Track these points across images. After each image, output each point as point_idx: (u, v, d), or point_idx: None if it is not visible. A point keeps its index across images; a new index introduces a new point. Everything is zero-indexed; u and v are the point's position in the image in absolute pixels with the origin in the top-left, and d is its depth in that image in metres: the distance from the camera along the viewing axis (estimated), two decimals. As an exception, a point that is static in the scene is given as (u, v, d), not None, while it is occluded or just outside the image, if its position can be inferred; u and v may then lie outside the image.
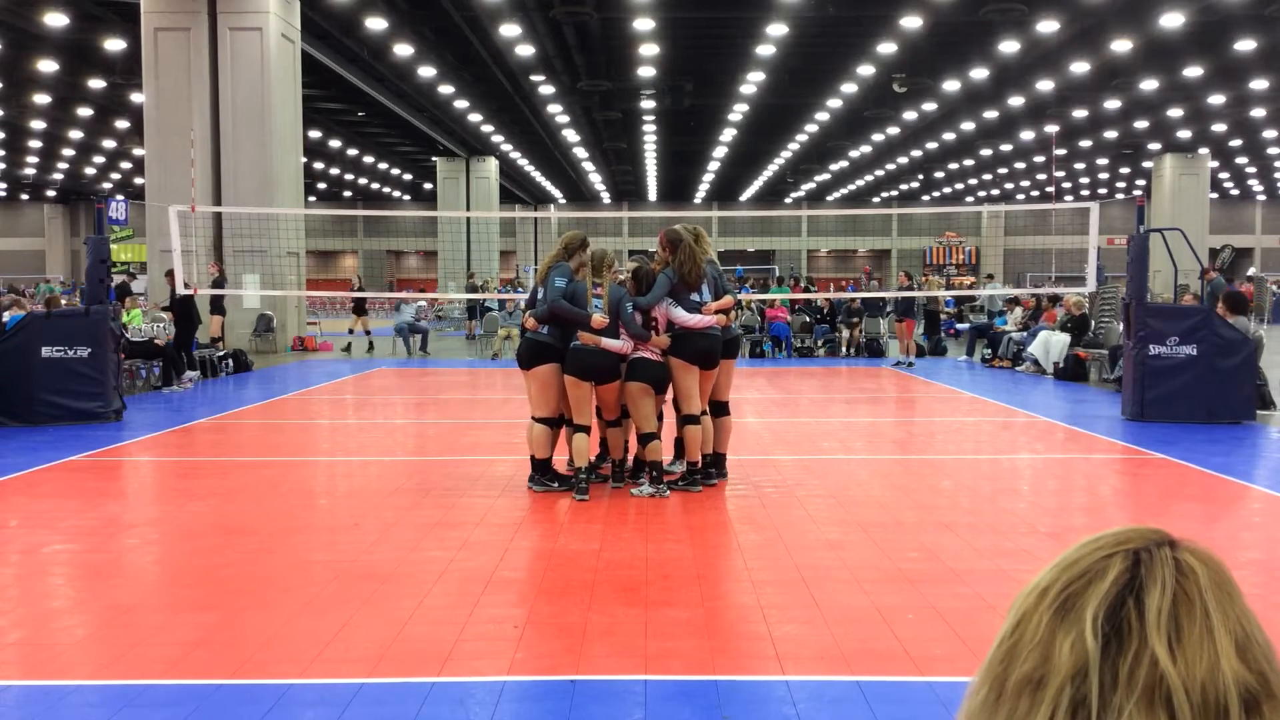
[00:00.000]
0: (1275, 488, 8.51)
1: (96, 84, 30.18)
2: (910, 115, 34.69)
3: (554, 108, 33.35)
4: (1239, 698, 0.72)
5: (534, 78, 29.24)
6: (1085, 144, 42.32)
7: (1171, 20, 22.45)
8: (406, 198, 66.79)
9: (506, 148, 42.80)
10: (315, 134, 38.58)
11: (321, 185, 57.53)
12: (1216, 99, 32.40)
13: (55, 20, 23.16)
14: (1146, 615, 0.74)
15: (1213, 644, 0.73)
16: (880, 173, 51.74)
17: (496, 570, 5.93)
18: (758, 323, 22.96)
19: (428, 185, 53.92)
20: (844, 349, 22.87)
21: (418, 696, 4.12)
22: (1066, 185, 57.25)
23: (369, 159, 48.95)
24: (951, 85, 29.47)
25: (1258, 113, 35.17)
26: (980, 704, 0.78)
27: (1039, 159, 46.43)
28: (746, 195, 62.65)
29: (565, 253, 8.14)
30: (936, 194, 62.43)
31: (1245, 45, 25.03)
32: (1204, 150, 43.10)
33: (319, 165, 48.56)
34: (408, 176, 55.91)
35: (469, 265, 39.45)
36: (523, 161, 47.68)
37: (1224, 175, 54.84)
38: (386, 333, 25.77)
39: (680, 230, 8.18)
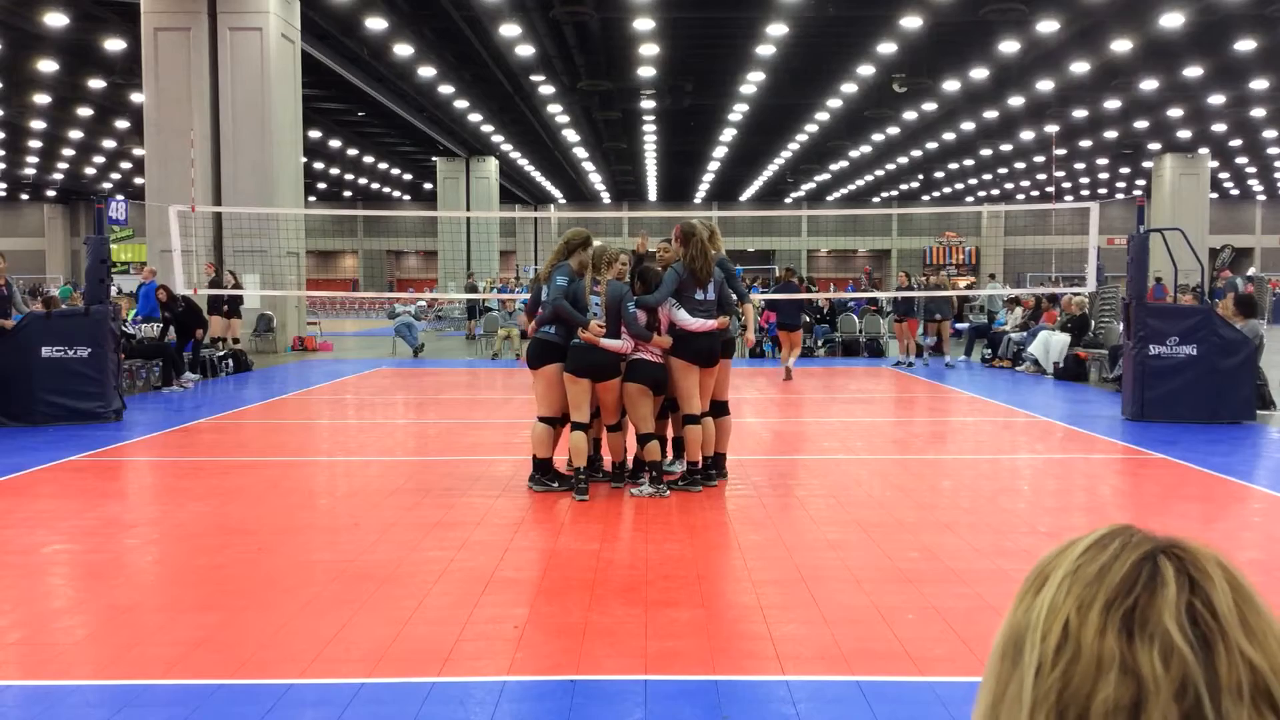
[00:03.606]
0: (1275, 488, 8.51)
1: (96, 84, 30.18)
2: (910, 115, 34.69)
3: (554, 108, 33.35)
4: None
5: (534, 78, 29.25)
6: (1085, 144, 42.32)
7: (1171, 20, 22.45)
8: (406, 198, 66.78)
9: (506, 148, 42.80)
10: (315, 134, 38.57)
11: (321, 185, 57.51)
12: (1216, 99, 32.41)
13: (55, 20, 23.16)
14: (1220, 614, 0.72)
15: (1276, 630, 0.73)
16: (880, 173, 51.74)
17: (496, 570, 5.92)
18: (757, 323, 22.95)
19: (428, 185, 53.92)
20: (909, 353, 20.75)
21: (418, 696, 4.12)
22: (1066, 185, 57.23)
23: (369, 159, 48.95)
24: (951, 85, 29.47)
25: (1258, 113, 35.17)
26: None
27: (1039, 159, 46.42)
28: (746, 195, 62.65)
29: (566, 250, 8.14)
30: (936, 194, 62.43)
31: (1245, 45, 25.03)
32: (1204, 150, 43.10)
33: (319, 165, 48.56)
34: (408, 176, 55.91)
35: (469, 265, 39.46)
36: (523, 161, 47.68)
37: (1224, 175, 54.82)
38: (386, 333, 25.78)
39: (696, 224, 8.17)
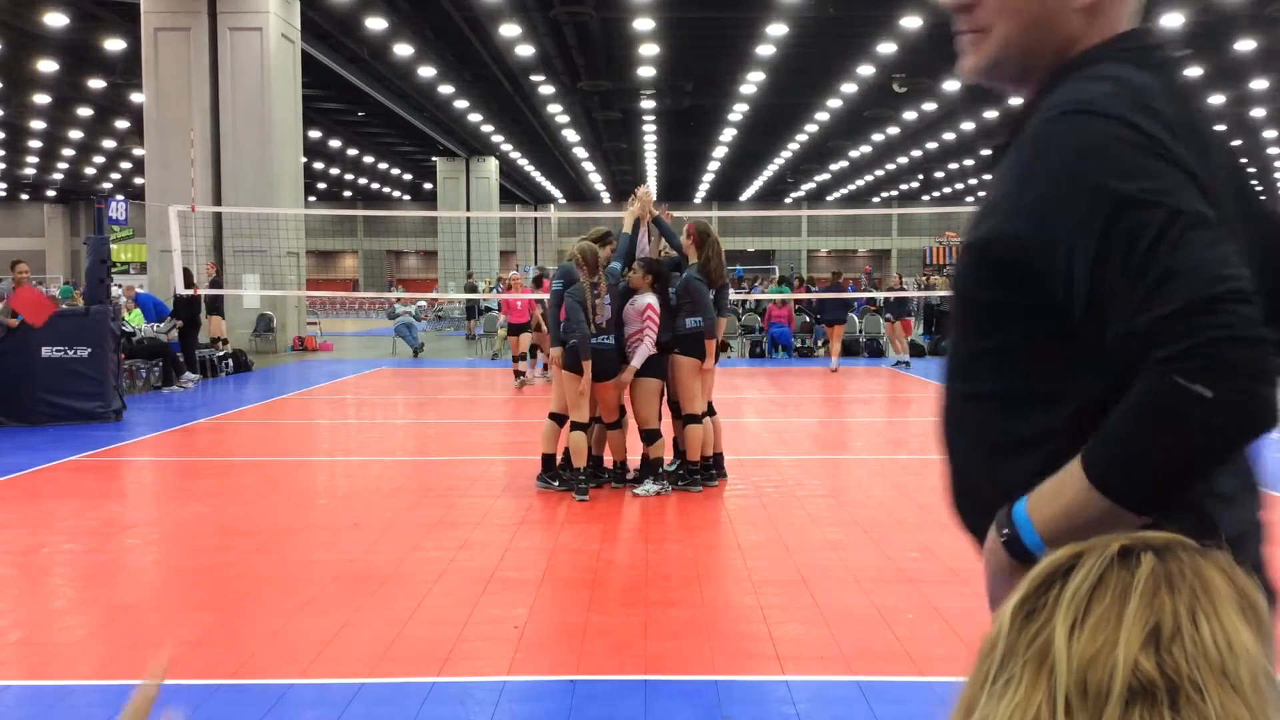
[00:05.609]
0: (1275, 488, 8.49)
1: (96, 84, 30.19)
2: (910, 115, 34.69)
3: (554, 108, 33.35)
4: (1124, 684, 0.70)
5: (534, 78, 29.25)
6: (1085, 144, 42.27)
7: (1171, 20, 22.45)
8: (406, 198, 66.79)
9: (506, 148, 42.80)
10: (315, 134, 38.59)
11: (321, 185, 57.52)
12: (1216, 99, 32.40)
13: (55, 20, 23.18)
14: (1063, 595, 0.75)
15: (1115, 628, 0.72)
16: (880, 173, 51.75)
17: (496, 570, 5.93)
18: (757, 323, 22.97)
19: (428, 185, 53.94)
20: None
21: (418, 696, 4.12)
22: (1066, 185, 57.11)
23: (369, 159, 48.96)
24: (951, 85, 29.47)
25: (1258, 113, 35.17)
26: None
27: (1039, 159, 46.36)
28: (746, 195, 62.66)
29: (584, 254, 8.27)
30: (936, 194, 62.44)
31: (1245, 45, 25.04)
32: (1204, 150, 43.07)
33: (319, 165, 48.57)
34: (408, 176, 55.92)
35: (469, 265, 39.47)
36: (523, 161, 47.68)
37: (1224, 175, 54.81)
38: (386, 333, 25.78)
39: (708, 224, 8.20)
